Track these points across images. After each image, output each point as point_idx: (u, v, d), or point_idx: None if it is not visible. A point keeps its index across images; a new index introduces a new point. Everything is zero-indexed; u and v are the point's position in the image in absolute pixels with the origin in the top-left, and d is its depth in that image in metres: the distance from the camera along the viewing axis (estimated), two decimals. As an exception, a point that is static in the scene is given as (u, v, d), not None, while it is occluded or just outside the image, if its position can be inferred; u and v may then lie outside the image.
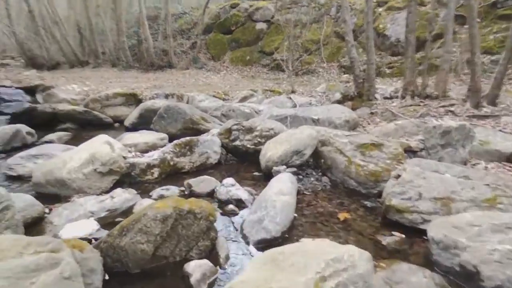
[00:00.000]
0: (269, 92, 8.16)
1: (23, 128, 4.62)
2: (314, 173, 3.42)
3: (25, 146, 4.66)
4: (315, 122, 4.67)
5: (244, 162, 3.97)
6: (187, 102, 6.83)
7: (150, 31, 13.22)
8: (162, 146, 4.09)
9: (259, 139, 3.89)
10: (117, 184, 3.09)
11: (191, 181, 3.03)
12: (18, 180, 3.34)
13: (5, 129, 4.35)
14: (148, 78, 10.72)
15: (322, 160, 3.42)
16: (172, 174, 3.50)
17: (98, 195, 2.80)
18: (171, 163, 3.46)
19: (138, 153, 3.56)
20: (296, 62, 10.18)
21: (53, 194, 2.82)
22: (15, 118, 6.07)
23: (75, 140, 5.33)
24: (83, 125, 6.28)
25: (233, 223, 2.53)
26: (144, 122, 5.77)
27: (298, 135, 3.38)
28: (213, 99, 6.88)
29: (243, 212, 2.66)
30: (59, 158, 2.89)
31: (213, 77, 11.34)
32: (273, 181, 2.79)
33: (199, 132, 4.61)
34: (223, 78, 11.16)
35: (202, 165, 3.70)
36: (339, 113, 4.79)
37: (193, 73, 11.96)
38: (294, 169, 3.28)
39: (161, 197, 2.85)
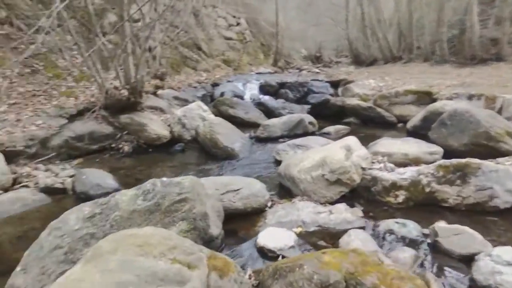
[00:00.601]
0: None
1: (307, 118, 5.11)
2: None
3: (306, 133, 5.16)
4: None
5: None
6: (500, 109, 4.93)
7: (480, 18, 10.84)
8: (430, 163, 3.11)
9: None
10: (348, 197, 2.63)
11: (442, 226, 2.02)
12: (278, 164, 3.69)
13: (291, 118, 4.99)
14: (459, 74, 8.90)
15: None
16: (425, 205, 2.55)
17: (321, 203, 2.49)
18: (427, 189, 2.51)
19: (389, 165, 2.87)
20: None
21: (287, 188, 2.82)
22: (313, 107, 6.95)
23: (351, 135, 5.29)
24: (365, 121, 6.16)
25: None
26: (426, 127, 4.76)
27: None
28: (549, 106, 4.54)
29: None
30: (301, 154, 2.83)
31: None
32: None
33: (496, 153, 3.11)
34: None
35: (479, 205, 2.43)
36: None
37: (533, 68, 8.65)
38: None
39: (388, 233, 2.10)
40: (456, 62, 11.45)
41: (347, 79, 8.43)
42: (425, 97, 5.99)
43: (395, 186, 2.56)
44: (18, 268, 1.47)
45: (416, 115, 5.45)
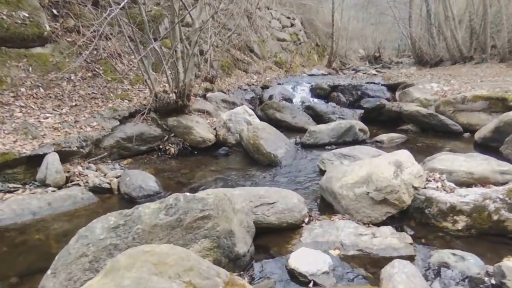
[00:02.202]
0: None
1: (357, 124, 4.79)
2: None
3: (355, 141, 4.84)
4: None
5: None
6: None
7: None
8: (499, 184, 2.67)
9: None
10: (396, 218, 2.35)
11: (508, 264, 1.68)
12: (322, 175, 3.48)
13: (340, 124, 4.71)
14: (545, 77, 7.74)
15: None
16: (490, 235, 2.17)
17: (364, 224, 2.26)
18: (494, 217, 2.14)
19: (448, 184, 2.51)
20: None
21: (328, 203, 2.63)
22: (366, 113, 6.54)
23: (407, 145, 4.88)
24: (425, 129, 5.62)
25: None
26: (499, 139, 4.18)
27: None
28: None
29: None
30: (345, 167, 2.61)
31: None
32: None
33: None
34: None
35: (563, 241, 2.01)
36: None
37: None
38: None
39: (441, 266, 1.81)
40: (540, 63, 10.03)
41: (407, 82, 7.78)
42: (499, 104, 5.28)
43: (454, 210, 2.23)
44: (49, 272, 1.52)
45: (486, 124, 4.81)
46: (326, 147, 4.62)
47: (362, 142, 4.90)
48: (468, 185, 2.67)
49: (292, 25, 15.25)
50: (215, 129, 4.80)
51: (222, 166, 4.00)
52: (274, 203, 2.26)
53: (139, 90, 5.13)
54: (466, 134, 5.34)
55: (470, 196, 2.25)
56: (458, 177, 2.67)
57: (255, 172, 3.73)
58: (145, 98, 4.81)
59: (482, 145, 4.49)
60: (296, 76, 11.45)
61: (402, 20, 20.43)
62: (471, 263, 1.81)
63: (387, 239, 2.03)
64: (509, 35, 11.58)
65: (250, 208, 2.20)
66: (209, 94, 6.19)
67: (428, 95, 6.70)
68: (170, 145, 4.37)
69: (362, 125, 4.88)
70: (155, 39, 4.87)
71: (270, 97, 7.28)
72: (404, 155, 2.50)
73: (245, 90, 7.76)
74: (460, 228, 2.20)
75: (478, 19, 13.66)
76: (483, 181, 2.67)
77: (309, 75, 12.30)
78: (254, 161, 4.10)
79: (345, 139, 4.75)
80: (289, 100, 7.56)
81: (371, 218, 2.27)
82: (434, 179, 2.56)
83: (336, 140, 4.70)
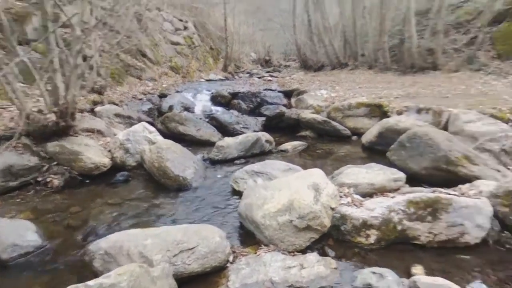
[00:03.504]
0: None
1: (263, 136, 4.84)
2: None
3: (263, 152, 4.90)
4: None
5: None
6: (446, 123, 5.12)
7: (416, 28, 11.59)
8: (393, 190, 3.00)
9: None
10: (317, 239, 2.38)
11: (424, 281, 1.83)
12: (236, 195, 3.36)
13: (248, 137, 4.68)
14: (403, 83, 9.35)
15: None
16: (397, 244, 2.39)
17: (289, 252, 2.21)
18: (399, 227, 2.35)
19: (357, 198, 2.68)
20: None
21: (249, 232, 2.50)
22: (268, 120, 6.72)
23: (308, 152, 5.16)
24: (321, 134, 6.08)
25: None
26: (383, 143, 4.77)
27: None
28: (489, 120, 4.77)
29: None
30: (262, 192, 2.52)
31: (495, 83, 8.34)
32: None
33: (456, 177, 3.10)
34: (511, 85, 7.98)
35: (450, 241, 2.33)
36: None
37: (464, 77, 9.35)
38: None
39: (367, 291, 1.87)
40: (398, 70, 12.11)
41: (300, 88, 8.37)
42: (377, 110, 6.08)
43: (365, 225, 2.37)
44: None
45: (370, 128, 5.47)
46: (236, 161, 4.53)
47: (269, 153, 5.00)
48: (370, 195, 2.92)
49: (185, 28, 14.81)
50: (110, 151, 4.18)
51: (123, 196, 3.47)
52: (194, 247, 2.00)
53: (2, 108, 4.10)
54: (354, 137, 5.99)
55: (378, 210, 2.42)
56: (362, 189, 2.88)
57: (164, 200, 3.35)
58: (12, 118, 3.86)
59: (369, 148, 5.08)
60: (194, 82, 11.14)
61: (287, 27, 22.12)
62: (390, 281, 1.92)
63: (314, 268, 2.01)
64: (373, 46, 13.68)
65: (168, 259, 1.89)
66: (98, 108, 5.41)
67: (319, 101, 7.30)
68: (52, 176, 3.58)
69: (267, 136, 4.96)
70: (21, 43, 3.95)
71: (170, 108, 6.84)
72: (318, 175, 2.56)
73: (140, 100, 7.11)
74: (372, 242, 2.34)
75: (350, 30, 15.72)
76: (382, 190, 2.95)
77: (207, 80, 12.14)
78: (160, 186, 3.70)
79: (253, 152, 4.74)
80: (190, 109, 7.24)
81: (295, 246, 2.23)
82: (344, 195, 2.69)
83: (245, 154, 4.65)
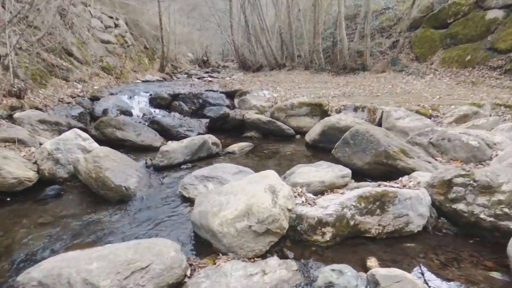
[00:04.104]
0: (504, 108, 5.70)
1: (210, 138, 4.71)
2: None
3: (210, 155, 4.76)
4: None
5: (469, 239, 2.47)
6: (380, 119, 5.54)
7: (346, 32, 12.41)
8: (342, 186, 3.12)
9: (505, 209, 2.29)
10: (276, 244, 2.35)
11: (382, 274, 1.90)
12: (187, 203, 3.19)
13: (193, 140, 4.50)
14: (338, 82, 9.93)
15: None
16: (350, 238, 2.47)
17: (249, 258, 2.14)
18: (351, 222, 2.44)
19: (310, 197, 2.73)
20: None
21: (205, 241, 2.37)
22: (212, 122, 6.58)
23: (256, 152, 5.15)
24: (266, 134, 6.14)
25: None
26: (326, 141, 4.98)
27: None
28: (415, 116, 5.29)
29: None
30: (216, 198, 2.41)
31: (415, 82, 9.31)
32: None
33: (396, 170, 3.34)
34: (428, 84, 8.98)
35: (397, 231, 2.49)
36: None
37: (390, 77, 10.28)
38: None
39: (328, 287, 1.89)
40: (332, 71, 12.82)
41: (242, 89, 8.36)
42: (317, 109, 6.34)
43: (321, 223, 2.41)
44: None
45: (312, 127, 5.67)
46: (182, 166, 4.32)
47: (216, 156, 4.88)
48: (322, 192, 3.00)
49: (116, 25, 13.84)
50: (36, 163, 3.68)
51: (55, 214, 3.07)
52: (148, 265, 1.82)
53: None
54: (298, 136, 6.17)
55: (331, 207, 2.48)
56: (314, 187, 2.94)
57: (106, 214, 3.04)
58: None
59: (313, 146, 5.25)
60: (129, 83, 10.46)
61: (224, 28, 22.05)
62: (349, 276, 1.97)
63: (277, 272, 1.98)
64: (309, 47, 14.31)
65: (119, 283, 1.69)
66: (17, 114, 4.73)
67: (262, 102, 7.38)
68: (-39, 196, 3.03)
69: (214, 138, 4.83)
70: None
71: (105, 112, 6.30)
72: (273, 177, 2.53)
73: (69, 103, 6.43)
74: (328, 239, 2.39)
75: (286, 32, 16.22)
76: (332, 187, 3.05)
77: (143, 81, 11.51)
78: (100, 198, 3.35)
79: (199, 155, 4.58)
80: (127, 113, 6.76)
81: (255, 251, 2.17)
82: (298, 194, 2.72)
83: (191, 158, 4.47)
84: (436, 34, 10.85)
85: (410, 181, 2.88)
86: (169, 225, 2.79)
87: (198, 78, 13.47)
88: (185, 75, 16.57)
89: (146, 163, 4.32)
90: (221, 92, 8.39)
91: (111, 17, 13.59)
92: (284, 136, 6.05)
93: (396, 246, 2.42)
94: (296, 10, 15.15)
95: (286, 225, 2.27)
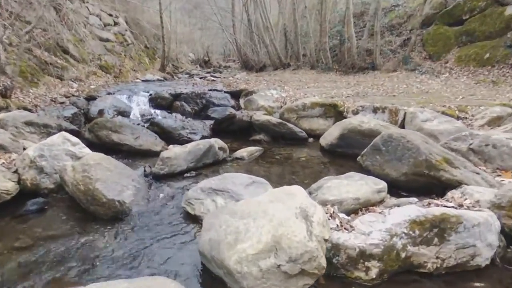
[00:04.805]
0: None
1: (216, 143, 4.19)
2: None
3: (217, 162, 4.26)
4: None
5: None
6: (403, 121, 5.02)
7: (354, 30, 11.89)
8: (377, 203, 2.60)
9: None
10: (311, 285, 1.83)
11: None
12: (192, 222, 2.68)
13: (198, 145, 3.99)
14: (348, 82, 9.41)
15: None
16: (400, 274, 1.96)
17: (278, 308, 1.63)
18: (402, 254, 1.92)
19: (344, 218, 2.21)
20: None
21: (218, 278, 1.86)
22: (217, 124, 6.08)
23: (266, 158, 4.64)
24: (276, 137, 5.62)
25: None
26: (345, 145, 4.48)
27: None
28: (444, 118, 4.76)
29: None
30: (231, 222, 1.89)
31: (431, 82, 8.79)
32: None
33: (438, 183, 2.82)
34: (445, 83, 8.46)
35: (460, 266, 1.97)
36: None
37: (402, 77, 9.77)
38: None
39: None
40: (339, 70, 12.31)
41: (248, 89, 7.84)
42: (332, 109, 5.83)
43: (364, 255, 1.90)
44: None
45: (327, 129, 5.17)
46: (186, 174, 3.81)
47: (223, 162, 4.37)
48: (355, 211, 2.48)
49: (116, 23, 13.36)
50: (16, 172, 3.17)
51: (35, 235, 2.56)
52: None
53: None
54: (311, 139, 5.65)
55: (375, 234, 1.96)
56: (347, 206, 2.43)
57: (95, 237, 2.52)
58: None
59: (330, 151, 4.73)
60: (128, 82, 9.96)
61: (226, 27, 21.53)
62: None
63: (317, 331, 1.46)
64: (315, 46, 13.79)
65: None
66: (1, 115, 4.23)
67: (270, 102, 6.87)
68: None
69: (220, 142, 4.32)
70: None
71: (100, 112, 5.80)
72: (302, 195, 2.02)
73: (62, 104, 5.94)
74: (374, 276, 1.88)
75: (291, 30, 15.71)
76: (367, 204, 2.53)
77: (143, 81, 11.02)
78: (88, 215, 2.84)
79: (205, 162, 4.07)
80: (125, 114, 6.26)
81: (285, 298, 1.66)
82: (331, 215, 2.20)
83: (196, 164, 3.95)
84: (450, 31, 10.33)
85: (465, 199, 2.36)
86: (171, 253, 2.27)
87: (200, 78, 12.98)
88: (187, 75, 16.11)
89: (144, 171, 3.81)
90: (225, 92, 7.87)
91: (110, 15, 13.10)
92: (296, 140, 5.53)
93: (459, 285, 1.91)
94: (302, 8, 14.63)
95: (324, 263, 1.75)
